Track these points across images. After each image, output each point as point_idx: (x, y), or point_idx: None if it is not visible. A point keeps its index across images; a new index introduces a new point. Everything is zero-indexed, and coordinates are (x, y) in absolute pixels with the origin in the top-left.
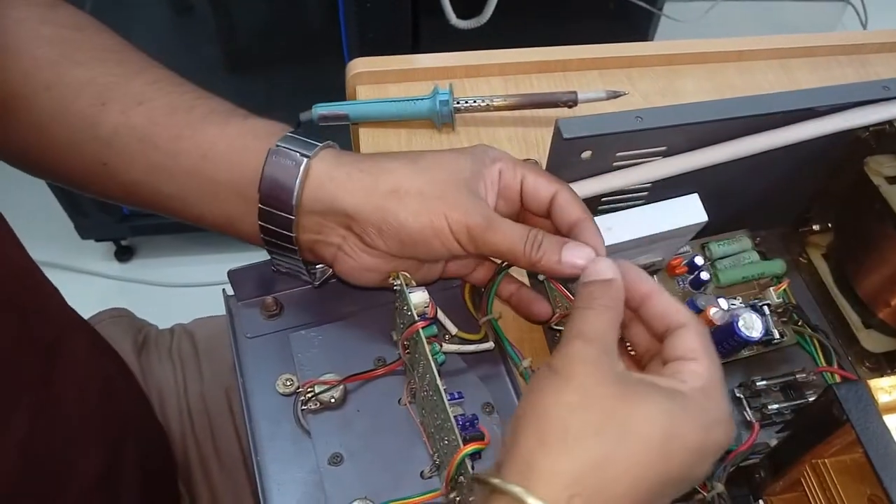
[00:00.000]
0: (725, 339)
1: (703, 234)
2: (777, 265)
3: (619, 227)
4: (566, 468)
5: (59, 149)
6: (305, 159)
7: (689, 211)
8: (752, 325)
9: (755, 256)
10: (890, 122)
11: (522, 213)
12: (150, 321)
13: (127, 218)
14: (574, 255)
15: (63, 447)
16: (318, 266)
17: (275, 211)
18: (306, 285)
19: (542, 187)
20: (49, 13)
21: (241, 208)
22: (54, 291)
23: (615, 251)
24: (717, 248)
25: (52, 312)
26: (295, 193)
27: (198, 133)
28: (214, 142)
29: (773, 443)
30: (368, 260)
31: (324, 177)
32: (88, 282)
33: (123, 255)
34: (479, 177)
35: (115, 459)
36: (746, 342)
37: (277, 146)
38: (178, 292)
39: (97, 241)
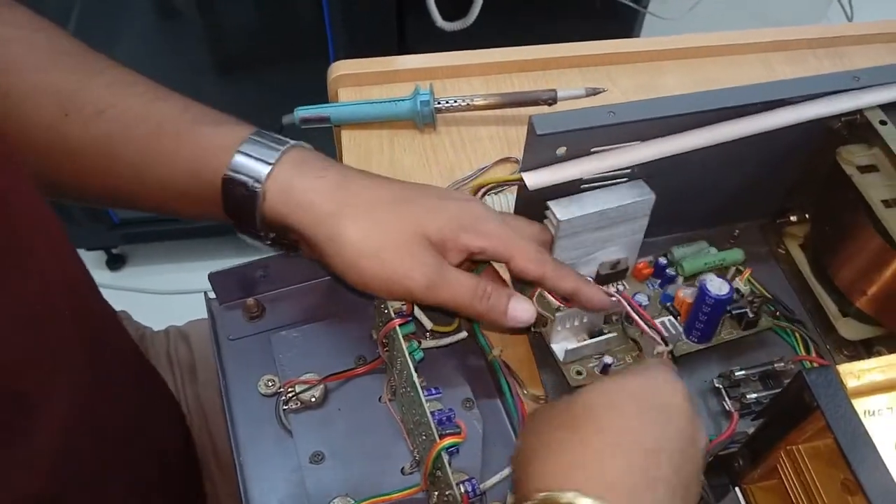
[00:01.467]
0: (700, 307)
1: (672, 231)
2: (736, 253)
3: (574, 205)
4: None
5: (31, 159)
6: (258, 186)
7: (636, 190)
8: (719, 286)
9: (714, 250)
10: (860, 112)
11: None
12: None
13: (118, 226)
14: (519, 311)
15: (112, 447)
16: None
17: (248, 230)
18: (288, 286)
19: (530, 272)
20: (6, 13)
21: (217, 212)
22: (96, 292)
23: (574, 230)
24: (678, 250)
25: (95, 311)
26: (257, 219)
27: (155, 150)
28: (173, 160)
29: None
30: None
31: (278, 206)
32: None
33: (115, 263)
34: (451, 240)
35: (159, 461)
36: (718, 302)
37: (230, 174)
38: (171, 300)
39: (88, 249)
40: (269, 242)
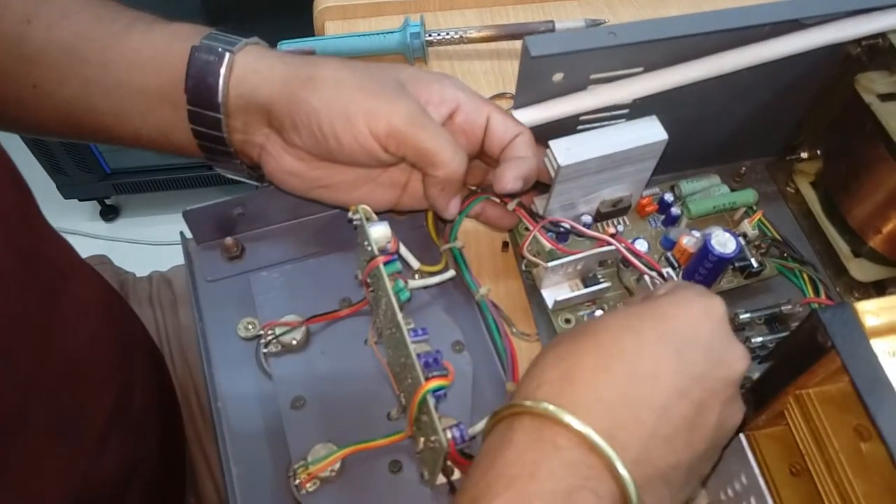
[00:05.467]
0: (702, 262)
1: (674, 169)
2: (748, 194)
3: (578, 147)
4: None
5: None
6: (228, 53)
7: (648, 131)
8: (724, 242)
9: (726, 189)
10: (883, 35)
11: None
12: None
13: (109, 176)
14: (453, 205)
15: (72, 386)
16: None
17: (203, 111)
18: (269, 225)
19: (509, 128)
20: None
21: (173, 116)
22: (56, 235)
23: (577, 174)
24: (686, 185)
25: (53, 255)
26: (220, 89)
27: (123, 41)
28: (140, 48)
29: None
30: (290, 161)
31: (247, 69)
32: (75, 242)
33: (109, 214)
34: (423, 88)
35: (126, 399)
36: (722, 260)
37: (201, 42)
38: (167, 250)
39: (81, 200)
40: (231, 153)
